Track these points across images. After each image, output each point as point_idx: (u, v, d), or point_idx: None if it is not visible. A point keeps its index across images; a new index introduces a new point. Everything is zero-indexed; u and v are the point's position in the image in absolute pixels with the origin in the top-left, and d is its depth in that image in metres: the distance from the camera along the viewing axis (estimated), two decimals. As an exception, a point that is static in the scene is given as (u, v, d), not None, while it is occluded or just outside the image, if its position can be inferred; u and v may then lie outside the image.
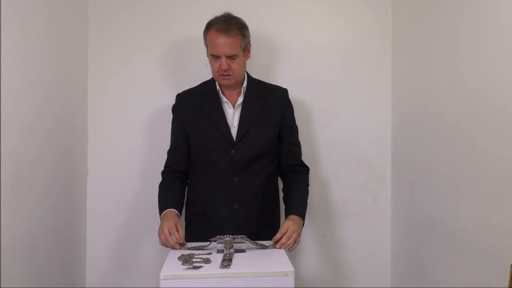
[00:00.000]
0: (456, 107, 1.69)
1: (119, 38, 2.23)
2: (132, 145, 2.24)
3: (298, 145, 1.99)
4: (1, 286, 1.45)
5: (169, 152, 1.97)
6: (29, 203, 1.66)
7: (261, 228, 1.81)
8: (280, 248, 1.68)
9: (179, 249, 1.68)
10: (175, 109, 1.95)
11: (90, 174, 2.24)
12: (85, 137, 2.22)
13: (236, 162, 1.84)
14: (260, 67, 2.23)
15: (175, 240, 1.68)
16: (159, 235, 1.71)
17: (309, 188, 1.96)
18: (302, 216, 1.82)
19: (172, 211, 1.79)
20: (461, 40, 1.67)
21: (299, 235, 1.74)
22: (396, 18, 2.27)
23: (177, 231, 1.69)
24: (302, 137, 2.22)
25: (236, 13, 2.19)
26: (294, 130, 1.98)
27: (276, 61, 2.27)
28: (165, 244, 1.69)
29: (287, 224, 1.73)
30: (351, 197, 2.30)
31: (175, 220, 1.74)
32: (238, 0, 2.16)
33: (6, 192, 1.48)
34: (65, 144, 2.00)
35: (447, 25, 1.77)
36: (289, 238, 1.70)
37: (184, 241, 1.70)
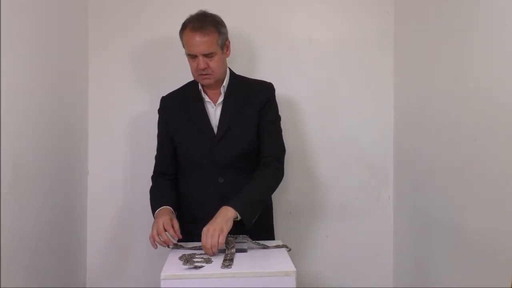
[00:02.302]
0: (459, 106, 1.68)
1: (120, 38, 2.23)
2: (133, 145, 2.24)
3: (275, 133, 1.87)
4: (1, 286, 1.44)
5: (156, 157, 1.95)
6: (29, 203, 1.65)
7: (253, 228, 1.74)
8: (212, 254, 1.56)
9: (174, 246, 1.66)
10: (159, 112, 1.93)
11: (90, 173, 2.23)
12: (85, 137, 2.21)
13: (219, 162, 1.80)
14: (260, 65, 2.23)
15: (170, 238, 1.64)
16: (152, 230, 1.66)
17: (271, 179, 1.81)
18: (235, 206, 1.64)
19: (167, 208, 1.76)
20: (464, 38, 1.66)
21: (221, 232, 1.56)
22: (398, 16, 2.26)
23: (173, 226, 1.65)
24: (303, 136, 2.21)
25: (237, 11, 2.19)
26: (274, 122, 1.88)
27: (277, 59, 2.26)
28: (154, 238, 1.62)
29: (203, 232, 1.58)
30: (352, 197, 2.29)
31: (171, 216, 1.71)
32: (239, -2, 2.16)
33: (6, 192, 1.47)
34: (66, 143, 2.00)
35: (450, 23, 1.76)
36: (210, 247, 1.55)
37: (180, 236, 1.66)
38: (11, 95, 1.50)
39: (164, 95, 1.96)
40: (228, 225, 1.61)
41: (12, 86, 1.51)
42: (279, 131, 1.90)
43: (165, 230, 1.65)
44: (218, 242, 1.56)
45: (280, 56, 2.26)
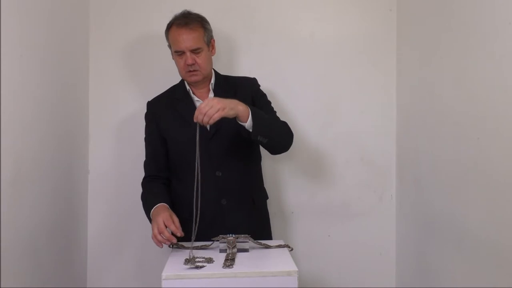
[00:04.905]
0: (462, 104, 1.67)
1: (121, 37, 2.23)
2: (133, 144, 2.22)
3: (273, 112, 1.89)
4: (1, 286, 1.43)
5: (146, 163, 1.92)
6: (30, 202, 1.64)
7: (254, 221, 1.75)
8: (197, 121, 1.56)
9: (175, 246, 1.64)
10: (147, 116, 1.92)
11: (91, 173, 2.23)
12: (86, 136, 2.21)
13: (215, 157, 1.80)
14: (261, 64, 2.22)
15: (173, 233, 1.62)
16: (152, 229, 1.63)
17: (283, 124, 1.82)
18: (250, 107, 1.65)
19: (163, 205, 1.72)
20: (467, 36, 1.65)
21: (222, 109, 1.54)
22: (400, 14, 2.25)
23: (173, 222, 1.63)
24: (305, 135, 2.20)
25: (238, 10, 2.18)
26: (269, 104, 1.91)
27: (279, 57, 2.25)
28: (156, 236, 1.60)
29: (205, 100, 1.58)
30: (355, 196, 2.28)
31: (170, 212, 1.68)
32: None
33: (6, 192, 1.47)
34: (66, 143, 1.99)
35: (453, 21, 1.75)
36: (204, 113, 1.53)
37: (182, 233, 1.63)
38: (11, 95, 1.49)
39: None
40: (232, 112, 1.59)
41: (12, 86, 1.50)
42: (275, 111, 1.91)
43: (166, 227, 1.62)
44: (213, 116, 1.53)
45: (281, 55, 2.25)
